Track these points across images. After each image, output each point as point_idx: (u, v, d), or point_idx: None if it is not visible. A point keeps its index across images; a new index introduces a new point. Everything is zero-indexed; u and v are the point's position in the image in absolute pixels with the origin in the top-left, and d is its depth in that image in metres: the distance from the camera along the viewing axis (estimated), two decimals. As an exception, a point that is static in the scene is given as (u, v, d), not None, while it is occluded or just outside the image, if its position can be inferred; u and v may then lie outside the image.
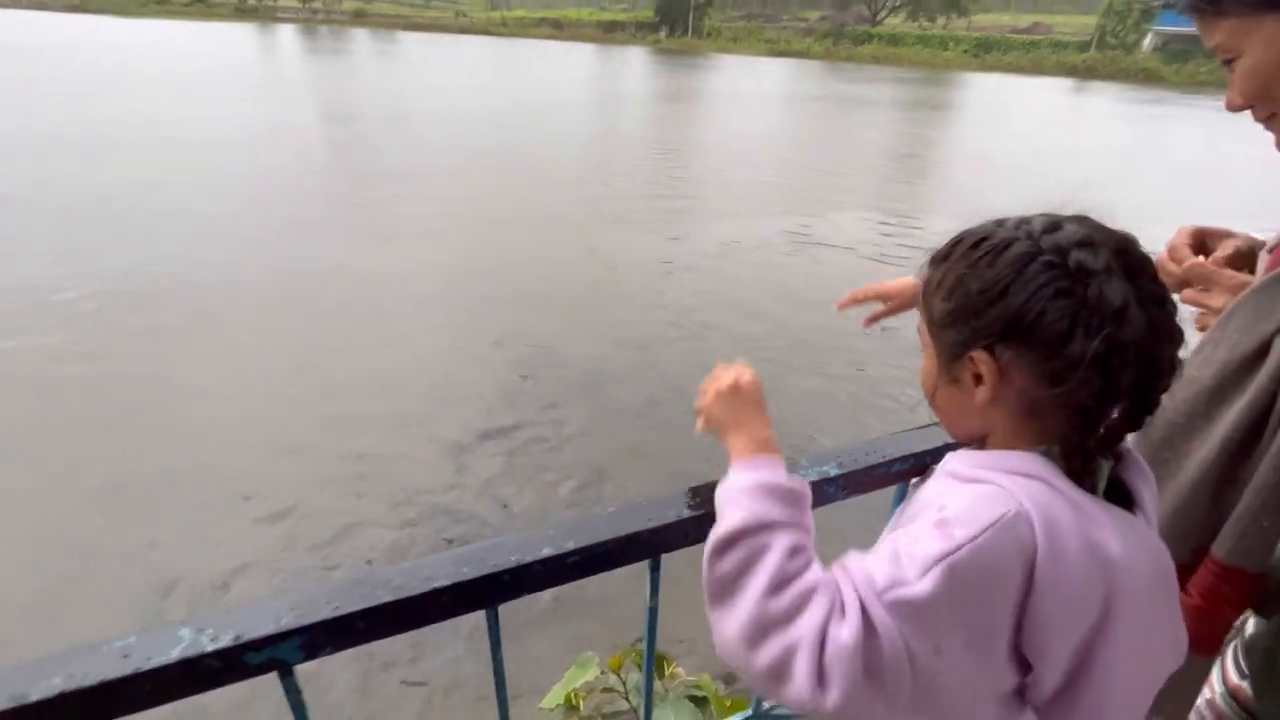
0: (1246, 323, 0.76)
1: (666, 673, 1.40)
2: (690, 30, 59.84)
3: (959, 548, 0.51)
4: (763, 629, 0.51)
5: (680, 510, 0.64)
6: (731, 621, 0.53)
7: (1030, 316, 0.54)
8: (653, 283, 6.14)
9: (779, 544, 0.55)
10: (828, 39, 54.37)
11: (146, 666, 0.45)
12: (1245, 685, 0.89)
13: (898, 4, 58.41)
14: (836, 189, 10.38)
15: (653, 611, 0.70)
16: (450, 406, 4.00)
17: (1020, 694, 0.59)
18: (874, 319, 1.10)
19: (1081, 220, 0.58)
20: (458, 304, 5.50)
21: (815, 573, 0.54)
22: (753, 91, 24.56)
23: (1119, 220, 0.60)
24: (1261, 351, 0.74)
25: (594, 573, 0.59)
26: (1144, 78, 39.16)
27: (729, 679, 1.83)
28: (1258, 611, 0.87)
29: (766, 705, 0.95)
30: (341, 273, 5.89)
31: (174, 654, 0.46)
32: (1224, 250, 0.87)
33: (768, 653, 0.51)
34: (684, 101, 21.16)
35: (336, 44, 37.16)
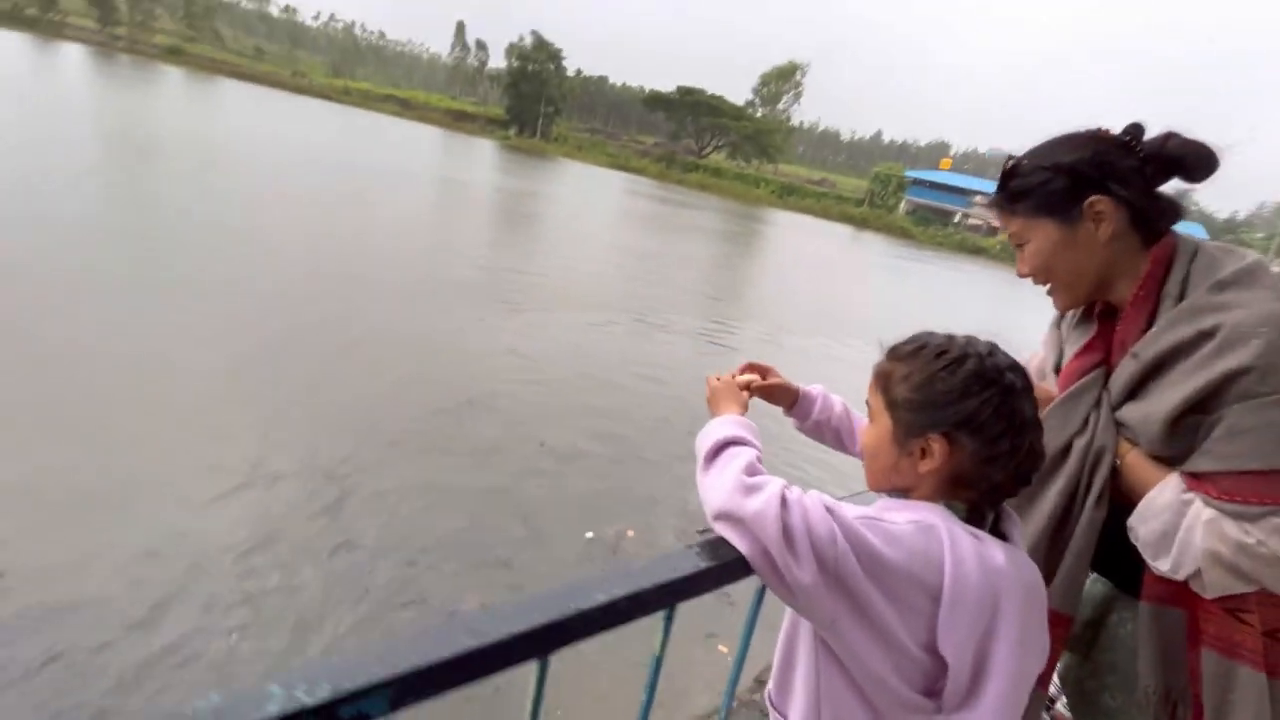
0: (1055, 427, 1.05)
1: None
2: (539, 133, 63.28)
3: (889, 522, 0.74)
4: (746, 489, 0.76)
5: (696, 563, 0.72)
6: (720, 489, 0.78)
7: (980, 419, 0.76)
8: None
9: (751, 451, 0.84)
10: (661, 162, 60.90)
11: (248, 725, 0.42)
12: (1064, 710, 1.15)
13: (720, 144, 67.76)
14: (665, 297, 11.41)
15: (659, 660, 0.75)
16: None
17: (930, 694, 0.75)
18: (749, 387, 1.18)
19: (998, 347, 0.82)
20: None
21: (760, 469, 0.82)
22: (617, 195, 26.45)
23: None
24: (1066, 449, 1.03)
25: (634, 619, 0.64)
26: (900, 233, 49.06)
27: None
28: (1069, 649, 1.14)
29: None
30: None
31: (272, 709, 0.43)
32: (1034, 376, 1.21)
33: (752, 502, 0.74)
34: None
35: (139, 76, 33.37)
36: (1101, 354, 1.04)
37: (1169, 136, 0.96)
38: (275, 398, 4.64)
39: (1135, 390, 0.95)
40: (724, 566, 0.75)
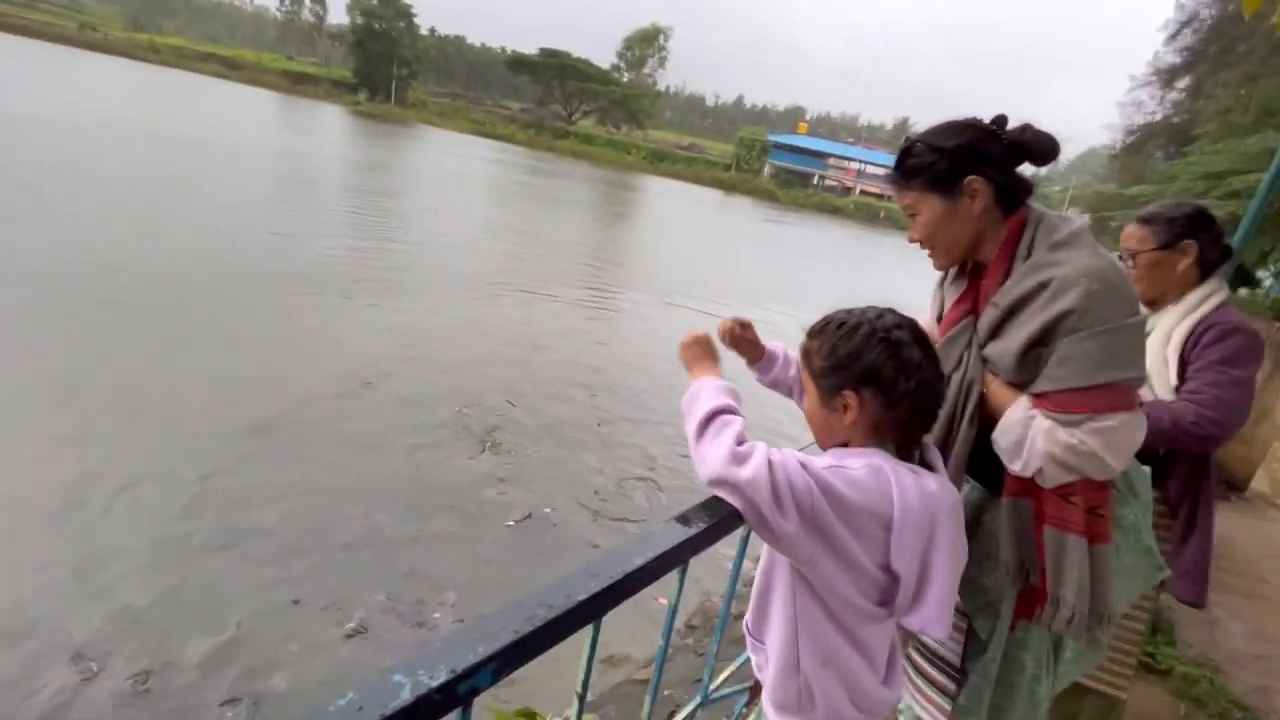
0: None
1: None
2: (394, 98, 58.77)
3: (848, 468, 0.89)
4: (738, 459, 0.85)
5: (701, 523, 0.83)
6: (716, 460, 0.87)
7: (877, 369, 0.93)
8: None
9: (739, 420, 0.93)
10: (530, 129, 58.99)
11: (389, 711, 0.46)
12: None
13: (590, 109, 66.70)
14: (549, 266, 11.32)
15: (674, 610, 0.85)
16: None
17: (883, 604, 0.93)
18: (731, 335, 1.31)
19: (891, 310, 0.99)
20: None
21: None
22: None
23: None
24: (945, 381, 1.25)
25: (661, 576, 0.73)
26: (766, 196, 51.57)
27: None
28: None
29: (712, 689, 1.12)
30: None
31: (406, 696, 0.47)
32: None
33: (744, 470, 0.83)
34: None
35: None
36: (971, 304, 1.26)
37: (1025, 128, 1.17)
38: (102, 409, 4.14)
39: (995, 332, 1.16)
40: (721, 522, 0.86)
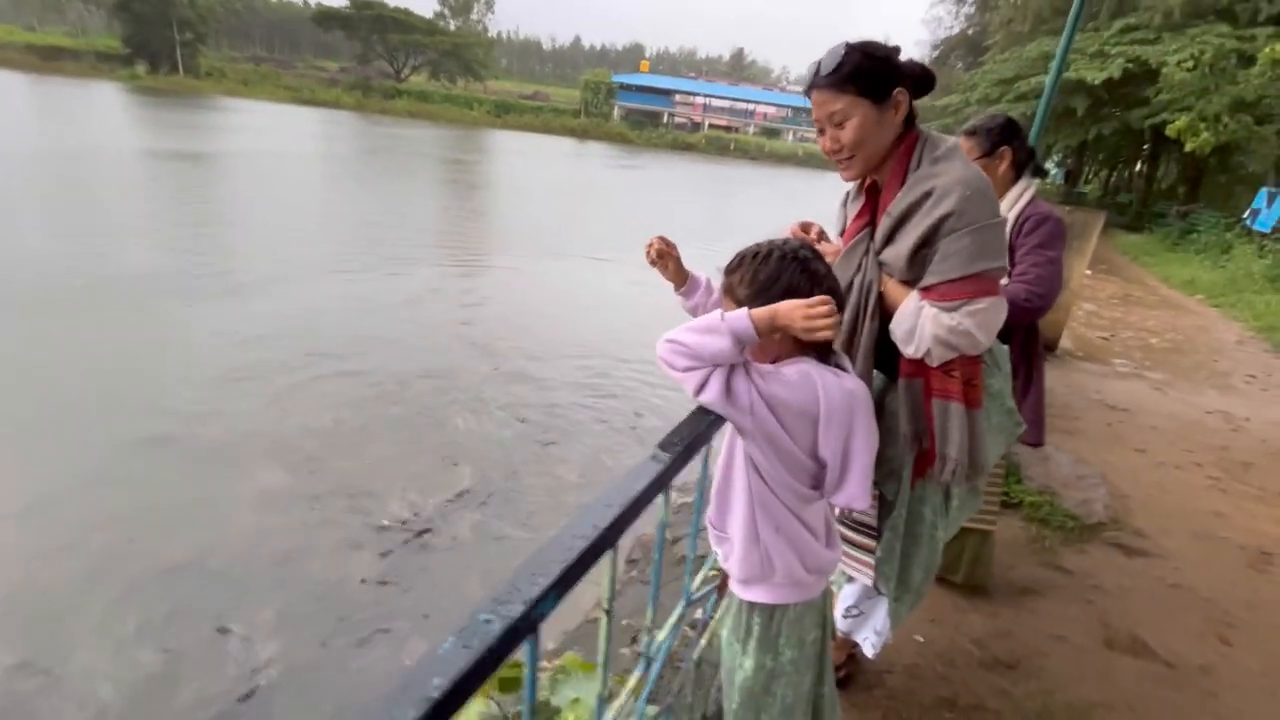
0: (842, 272, 1.44)
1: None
2: (181, 68, 50.90)
3: (783, 375, 1.06)
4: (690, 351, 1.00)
5: (673, 452, 0.94)
6: (688, 380, 1.02)
7: (792, 284, 1.09)
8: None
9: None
10: (356, 91, 53.78)
11: (492, 641, 0.53)
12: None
13: (419, 64, 61.76)
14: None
15: (665, 525, 0.98)
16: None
17: (815, 487, 1.12)
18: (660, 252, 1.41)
19: (789, 238, 1.14)
20: None
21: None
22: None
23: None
24: (849, 286, 1.44)
25: (655, 497, 0.85)
26: (619, 139, 51.26)
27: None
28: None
29: (694, 588, 1.28)
30: None
31: (496, 627, 0.55)
32: (814, 234, 1.59)
33: (706, 392, 1.00)
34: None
35: None
36: (868, 217, 1.44)
37: (916, 64, 1.34)
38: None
39: (890, 238, 1.34)
40: (689, 447, 0.98)
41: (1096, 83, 15.47)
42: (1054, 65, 4.71)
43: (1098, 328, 7.43)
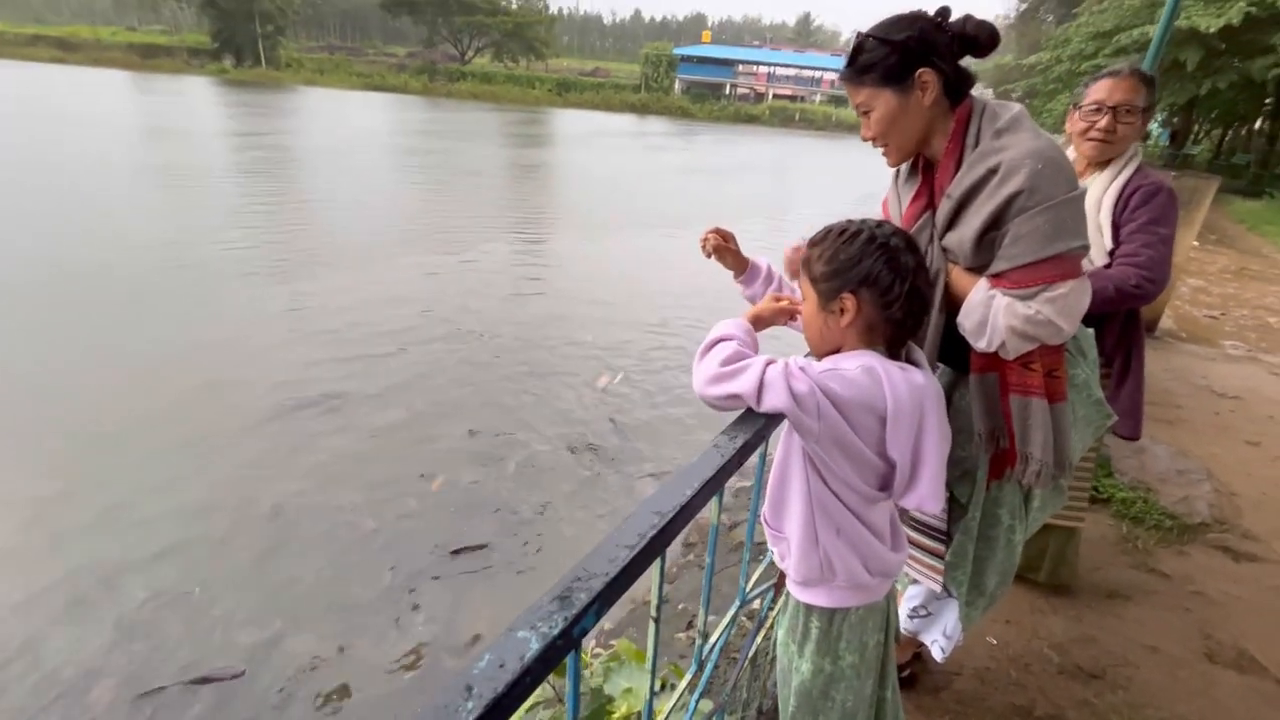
0: None
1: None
2: (264, 60, 53.54)
3: (844, 370, 0.97)
4: (720, 378, 0.99)
5: (727, 451, 0.89)
6: (699, 379, 1.01)
7: (874, 274, 0.99)
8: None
9: (730, 345, 1.03)
10: (424, 75, 55.06)
11: (528, 661, 0.51)
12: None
13: (483, 45, 62.49)
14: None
15: (717, 529, 0.94)
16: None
17: (883, 488, 1.03)
18: (717, 246, 1.39)
19: (885, 221, 1.04)
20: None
21: (750, 356, 1.02)
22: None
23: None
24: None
25: (707, 503, 0.80)
26: (680, 113, 50.38)
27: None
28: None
29: (749, 587, 1.24)
30: None
31: (535, 646, 0.53)
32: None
33: (733, 383, 0.98)
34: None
35: None
36: (926, 199, 1.32)
37: (967, 19, 1.20)
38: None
39: (952, 222, 1.22)
40: (746, 445, 0.93)
41: (1212, 30, 13.90)
42: (1165, 12, 4.22)
43: (1205, 306, 6.76)
